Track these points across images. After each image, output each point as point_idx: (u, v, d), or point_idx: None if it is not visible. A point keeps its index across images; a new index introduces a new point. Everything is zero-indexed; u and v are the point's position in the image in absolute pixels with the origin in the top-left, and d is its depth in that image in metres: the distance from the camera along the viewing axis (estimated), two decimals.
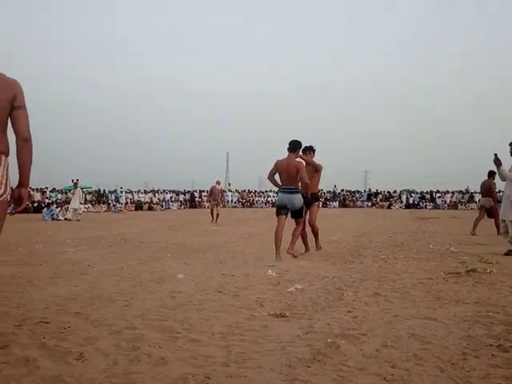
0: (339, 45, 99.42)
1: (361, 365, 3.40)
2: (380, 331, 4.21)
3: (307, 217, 9.95)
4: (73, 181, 24.78)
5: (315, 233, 10.10)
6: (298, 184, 8.93)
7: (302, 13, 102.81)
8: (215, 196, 22.00)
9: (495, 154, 9.60)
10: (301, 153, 9.35)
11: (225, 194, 37.39)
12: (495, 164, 9.59)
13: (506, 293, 5.76)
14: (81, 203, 24.66)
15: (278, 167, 8.94)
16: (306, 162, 9.40)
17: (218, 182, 22.68)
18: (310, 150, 9.86)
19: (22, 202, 3.51)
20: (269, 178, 9.23)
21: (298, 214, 9.12)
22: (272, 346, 3.85)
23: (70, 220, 23.27)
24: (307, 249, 9.97)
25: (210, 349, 3.76)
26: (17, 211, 3.65)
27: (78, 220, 22.97)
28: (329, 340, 3.92)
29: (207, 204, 45.04)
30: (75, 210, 23.81)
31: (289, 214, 9.12)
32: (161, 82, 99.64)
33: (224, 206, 22.76)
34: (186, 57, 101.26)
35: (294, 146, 9.01)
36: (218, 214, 21.35)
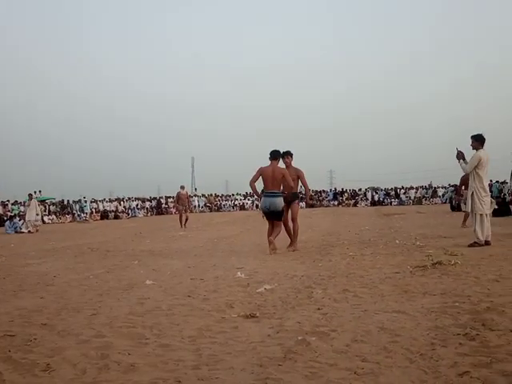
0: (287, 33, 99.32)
1: (332, 360, 3.42)
2: (350, 326, 4.24)
3: (289, 215, 10.49)
4: (30, 195, 24.64)
5: (295, 229, 10.49)
6: (280, 188, 9.80)
7: None
8: (182, 201, 21.74)
9: (457, 148, 9.82)
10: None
11: (191, 199, 37.27)
12: (457, 158, 9.78)
13: (471, 283, 5.87)
14: (37, 214, 24.16)
15: (263, 174, 9.78)
16: (286, 167, 10.33)
17: (183, 187, 22.36)
18: (288, 154, 10.53)
19: None
20: (250, 184, 10.09)
21: (278, 216, 9.82)
22: (243, 346, 3.83)
23: (32, 232, 22.82)
24: (291, 244, 10.45)
25: (180, 353, 3.73)
26: None
27: (31, 232, 22.67)
28: (299, 338, 3.93)
29: (174, 210, 45.00)
30: (29, 221, 23.44)
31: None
32: (122, 88, 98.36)
33: (191, 211, 22.32)
34: (144, 63, 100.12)
35: (276, 154, 9.99)
36: (186, 219, 21.16)
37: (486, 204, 9.64)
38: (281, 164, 10.32)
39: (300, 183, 10.72)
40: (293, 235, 10.52)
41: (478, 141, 9.69)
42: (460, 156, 9.76)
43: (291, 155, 10.62)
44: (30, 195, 24.48)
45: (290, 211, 10.47)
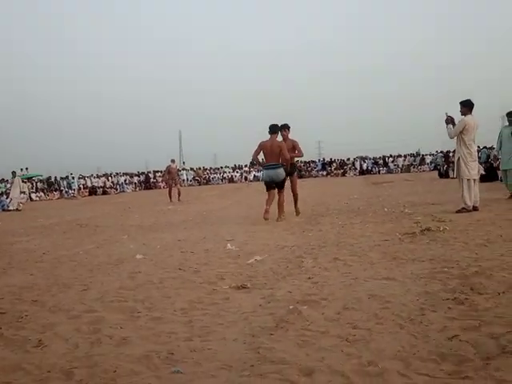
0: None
1: (323, 328, 3.44)
2: (340, 294, 4.27)
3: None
4: (14, 172, 24.35)
5: (296, 199, 11.31)
6: (279, 160, 10.30)
7: None
8: (173, 175, 21.61)
9: (446, 113, 9.81)
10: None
11: (179, 172, 37.07)
12: (446, 123, 9.77)
13: (460, 248, 5.92)
14: (21, 192, 24.01)
15: (263, 148, 10.36)
16: (284, 139, 10.88)
17: (173, 161, 22.20)
18: (285, 127, 11.04)
19: None
20: (253, 157, 10.89)
21: (281, 185, 10.47)
22: (234, 317, 3.85)
23: (20, 210, 22.68)
24: (280, 215, 10.68)
25: (172, 325, 3.74)
26: None
27: (19, 210, 22.51)
28: (290, 307, 3.95)
29: (162, 184, 44.87)
30: (14, 198, 23.30)
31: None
32: (109, 68, 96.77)
33: (180, 185, 22.08)
34: (134, 44, 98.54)
35: (274, 128, 10.52)
36: (179, 193, 20.98)
37: (473, 169, 9.66)
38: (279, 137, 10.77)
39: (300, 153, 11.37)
40: (295, 203, 11.33)
41: (466, 106, 9.68)
42: (449, 121, 9.75)
43: (288, 128, 11.09)
44: (14, 173, 24.33)
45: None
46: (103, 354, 3.20)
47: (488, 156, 34.33)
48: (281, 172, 10.32)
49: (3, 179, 36.81)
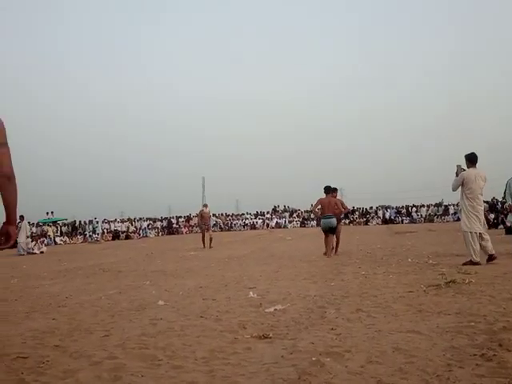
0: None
1: (346, 382, 3.38)
2: (364, 347, 4.20)
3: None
4: (21, 217, 23.62)
5: (338, 241, 14.42)
6: (333, 212, 13.56)
7: None
8: (205, 220, 21.18)
9: (458, 165, 9.96)
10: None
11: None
12: (456, 174, 9.93)
13: (486, 302, 5.80)
14: (27, 237, 24.05)
15: (321, 203, 13.64)
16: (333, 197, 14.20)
17: (206, 205, 21.79)
18: (335, 190, 14.46)
19: (11, 239, 3.38)
20: (313, 210, 15.09)
21: (334, 230, 13.63)
22: (256, 367, 3.80)
23: (43, 253, 22.90)
24: (335, 252, 13.97)
25: (193, 374, 3.70)
26: (4, 248, 3.52)
27: (43, 252, 22.69)
28: (313, 359, 3.89)
29: (185, 230, 45.02)
30: (20, 243, 23.22)
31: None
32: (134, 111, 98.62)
33: (208, 231, 21.48)
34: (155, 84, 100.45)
35: (330, 190, 13.85)
36: (211, 239, 20.55)
37: (475, 223, 9.70)
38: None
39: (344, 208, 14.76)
40: (337, 244, 14.32)
41: (468, 160, 9.92)
42: (459, 173, 9.88)
43: (336, 191, 14.71)
44: (22, 217, 23.59)
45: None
46: None
47: None
48: (334, 221, 13.47)
49: (29, 222, 37.30)
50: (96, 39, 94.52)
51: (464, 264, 9.39)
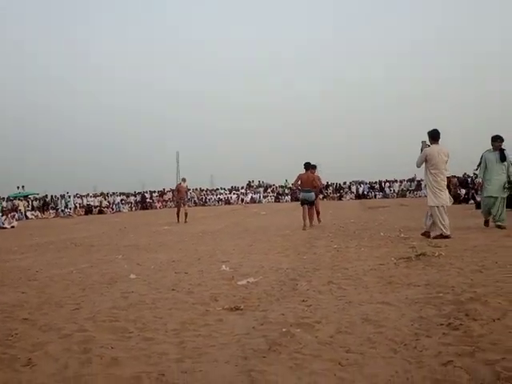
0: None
1: (316, 352, 3.41)
2: (334, 318, 4.24)
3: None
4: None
5: (318, 213, 15.66)
6: (312, 187, 14.52)
7: None
8: (181, 195, 20.73)
9: (422, 141, 10.20)
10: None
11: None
12: (421, 151, 10.12)
13: (455, 274, 5.90)
14: None
15: (301, 178, 14.53)
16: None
17: (184, 180, 21.16)
18: (314, 167, 15.18)
19: None
20: (294, 185, 16.53)
21: (312, 203, 14.73)
22: (227, 339, 3.81)
23: (14, 227, 22.61)
24: (311, 224, 14.59)
25: (163, 346, 3.70)
26: None
27: (14, 227, 22.39)
28: (284, 329, 3.91)
29: (158, 204, 44.79)
30: None
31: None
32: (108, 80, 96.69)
33: (188, 206, 20.89)
34: (135, 54, 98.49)
35: (310, 166, 14.75)
36: (186, 214, 20.34)
37: (440, 197, 9.91)
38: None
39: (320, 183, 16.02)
40: (317, 215, 15.65)
41: (430, 136, 10.09)
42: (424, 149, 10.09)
43: (315, 167, 15.31)
44: None
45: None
46: (93, 374, 3.15)
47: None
48: (312, 194, 14.51)
49: None
50: None
51: (434, 237, 9.57)
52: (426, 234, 9.99)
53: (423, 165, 10.12)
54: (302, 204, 14.62)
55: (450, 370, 2.95)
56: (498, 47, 72.85)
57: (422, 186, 43.40)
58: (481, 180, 11.34)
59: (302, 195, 14.78)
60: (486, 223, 11.37)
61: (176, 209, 21.01)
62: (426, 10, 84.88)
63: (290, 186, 48.02)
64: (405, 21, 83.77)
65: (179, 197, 20.84)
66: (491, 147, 11.16)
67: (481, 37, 76.75)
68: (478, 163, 11.61)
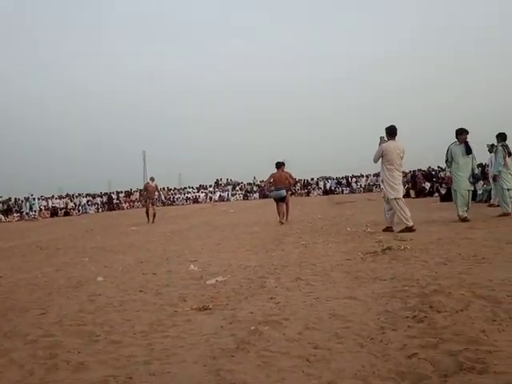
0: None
1: (284, 349, 3.43)
2: (302, 314, 4.27)
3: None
4: None
5: (288, 209, 15.69)
6: (284, 184, 15.20)
7: None
8: (150, 194, 20.16)
9: (381, 137, 10.49)
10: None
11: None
12: (379, 146, 10.36)
13: (420, 267, 6.00)
14: None
15: (274, 177, 15.31)
16: (281, 170, 15.59)
17: (152, 179, 20.53)
18: (283, 164, 15.75)
19: None
20: (265, 184, 17.20)
21: (284, 200, 15.28)
22: (195, 339, 3.81)
23: None
24: (286, 219, 15.23)
25: (131, 349, 3.68)
26: None
27: None
28: (252, 328, 3.93)
29: (125, 205, 44.35)
30: None
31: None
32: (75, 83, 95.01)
33: (156, 206, 20.85)
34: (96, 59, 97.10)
35: (281, 164, 15.62)
36: (154, 214, 19.95)
37: (397, 190, 10.17)
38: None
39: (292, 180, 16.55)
40: (286, 213, 15.49)
41: (388, 132, 10.34)
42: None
43: (284, 165, 15.81)
44: None
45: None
46: (59, 380, 3.12)
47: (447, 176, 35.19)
48: (284, 192, 15.17)
49: None
50: None
51: (400, 231, 9.72)
52: (389, 229, 10.15)
53: (380, 160, 10.32)
54: (276, 202, 15.51)
55: (414, 362, 3.00)
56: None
57: (379, 180, 44.13)
58: (449, 173, 11.36)
59: (273, 193, 15.63)
60: (465, 219, 10.86)
61: (145, 208, 20.62)
62: None
63: (259, 183, 48.34)
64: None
65: (148, 196, 20.38)
66: (456, 140, 11.22)
67: None
68: (445, 157, 11.54)
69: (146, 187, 20.49)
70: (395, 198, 10.08)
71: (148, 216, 19.98)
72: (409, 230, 9.69)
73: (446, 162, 11.48)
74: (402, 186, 10.46)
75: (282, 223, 14.58)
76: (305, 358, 3.22)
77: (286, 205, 15.73)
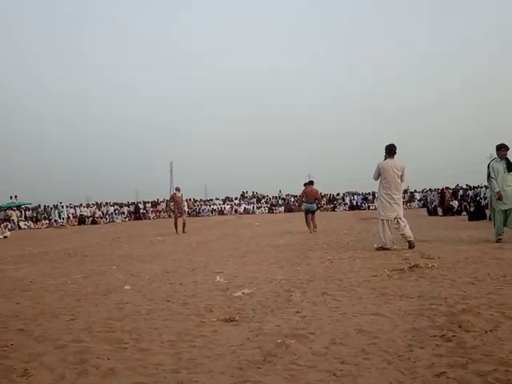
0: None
1: (311, 363, 3.44)
2: (328, 329, 4.27)
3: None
4: None
5: (314, 221, 17.98)
6: (313, 199, 18.00)
7: None
8: (178, 204, 20.10)
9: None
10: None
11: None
12: None
13: (448, 285, 5.95)
14: None
15: (306, 191, 18.04)
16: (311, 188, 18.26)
17: (178, 189, 20.55)
18: (312, 183, 18.52)
19: None
20: (300, 199, 20.71)
21: (314, 212, 17.91)
22: (222, 350, 3.84)
23: (7, 237, 22.53)
24: (315, 229, 17.54)
25: (159, 357, 3.72)
26: None
27: (6, 237, 22.30)
28: (278, 341, 3.94)
29: (152, 215, 44.68)
30: None
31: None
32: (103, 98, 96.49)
33: (181, 216, 20.25)
34: (135, 62, 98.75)
35: (311, 182, 18.59)
36: (184, 224, 19.83)
37: (389, 211, 10.32)
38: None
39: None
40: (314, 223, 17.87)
41: (386, 151, 10.42)
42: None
43: (313, 183, 18.54)
44: None
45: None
46: None
47: (476, 194, 34.76)
48: (314, 205, 17.93)
49: None
50: None
51: (377, 249, 10.08)
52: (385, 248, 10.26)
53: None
54: (306, 213, 17.94)
55: (443, 381, 2.99)
56: None
57: (416, 197, 43.73)
58: (497, 189, 10.48)
59: (305, 206, 18.16)
60: (500, 240, 10.42)
61: (174, 219, 20.47)
62: None
63: (284, 196, 48.36)
64: None
65: (176, 206, 20.23)
66: (496, 156, 10.80)
67: None
68: (487, 173, 10.93)
69: (174, 198, 20.43)
70: (381, 219, 10.30)
71: (176, 227, 19.89)
72: (385, 249, 9.98)
73: (489, 177, 10.81)
74: (400, 206, 10.53)
75: (311, 232, 16.74)
76: (332, 372, 3.23)
77: (313, 217, 17.86)
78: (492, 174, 10.70)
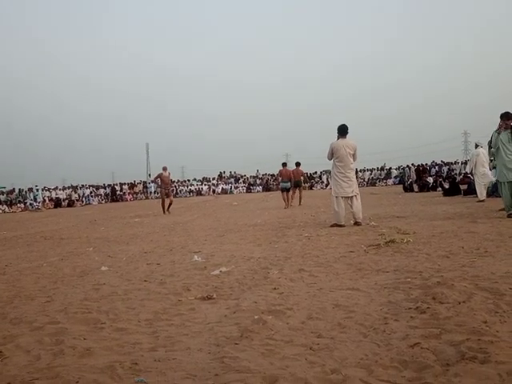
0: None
1: (287, 337, 3.46)
2: (305, 304, 4.30)
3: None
4: None
5: (300, 197, 21.04)
6: (289, 179, 20.20)
7: None
8: (165, 184, 19.63)
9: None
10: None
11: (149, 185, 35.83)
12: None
13: (423, 259, 6.03)
14: None
15: (281, 172, 20.62)
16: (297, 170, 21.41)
17: (165, 168, 19.82)
18: (299, 165, 21.63)
19: None
20: (277, 179, 28.04)
21: (289, 190, 20.07)
22: (200, 327, 3.85)
23: None
24: (290, 204, 19.91)
25: (136, 336, 3.71)
26: None
27: None
28: (256, 317, 3.96)
29: (129, 197, 44.43)
30: None
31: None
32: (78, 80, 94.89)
33: (168, 196, 19.95)
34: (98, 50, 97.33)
35: (299, 164, 21.69)
36: (170, 203, 19.67)
37: (342, 188, 10.61)
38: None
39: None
40: (300, 197, 20.94)
41: (338, 131, 10.78)
42: None
43: (299, 164, 21.63)
44: None
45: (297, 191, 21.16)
46: (66, 365, 3.15)
47: (451, 170, 35.23)
48: (288, 184, 19.88)
49: None
50: None
51: (331, 226, 10.40)
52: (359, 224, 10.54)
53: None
54: (282, 191, 20.18)
55: (417, 351, 3.03)
56: None
57: (393, 174, 44.08)
58: (493, 163, 10.17)
59: (281, 185, 20.40)
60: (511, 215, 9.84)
61: (161, 199, 20.10)
62: None
63: (261, 176, 48.46)
64: None
65: (163, 186, 19.75)
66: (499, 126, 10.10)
67: None
68: (488, 143, 10.67)
69: (161, 177, 19.81)
70: (335, 196, 10.63)
71: (163, 207, 19.63)
72: (339, 226, 10.26)
73: (490, 149, 10.53)
74: (354, 183, 10.89)
75: (286, 207, 19.01)
76: (308, 346, 3.25)
77: (300, 194, 20.99)
78: (495, 145, 10.21)
